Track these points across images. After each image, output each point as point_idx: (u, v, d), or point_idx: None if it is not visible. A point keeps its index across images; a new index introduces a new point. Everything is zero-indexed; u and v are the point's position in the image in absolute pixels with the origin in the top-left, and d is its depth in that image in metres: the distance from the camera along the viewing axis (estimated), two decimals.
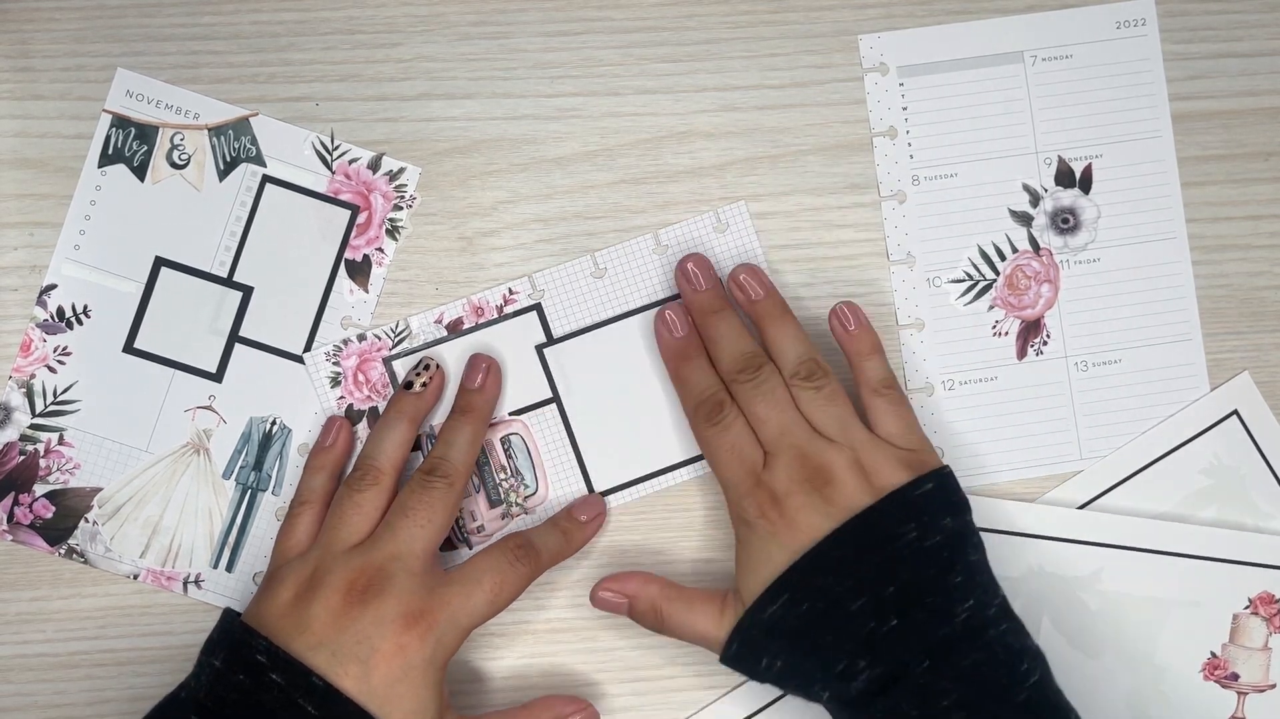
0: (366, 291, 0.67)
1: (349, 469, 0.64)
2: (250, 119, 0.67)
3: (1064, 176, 0.68)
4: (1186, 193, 0.68)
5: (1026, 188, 0.68)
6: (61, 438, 0.66)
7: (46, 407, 0.66)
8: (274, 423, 0.67)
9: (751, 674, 0.60)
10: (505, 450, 0.67)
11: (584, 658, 0.67)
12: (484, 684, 0.66)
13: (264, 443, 0.67)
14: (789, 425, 0.61)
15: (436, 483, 0.61)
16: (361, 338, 0.67)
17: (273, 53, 0.67)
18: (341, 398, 0.67)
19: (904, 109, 0.68)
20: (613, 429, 0.67)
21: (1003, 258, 0.68)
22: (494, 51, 0.68)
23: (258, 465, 0.67)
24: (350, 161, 0.67)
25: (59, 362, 0.66)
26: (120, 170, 0.67)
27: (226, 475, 0.67)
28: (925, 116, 0.68)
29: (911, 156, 0.68)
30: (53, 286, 0.66)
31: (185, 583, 0.66)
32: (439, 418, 0.66)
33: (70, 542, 0.66)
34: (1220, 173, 0.69)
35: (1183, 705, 0.67)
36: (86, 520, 0.66)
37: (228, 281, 0.67)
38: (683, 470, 0.67)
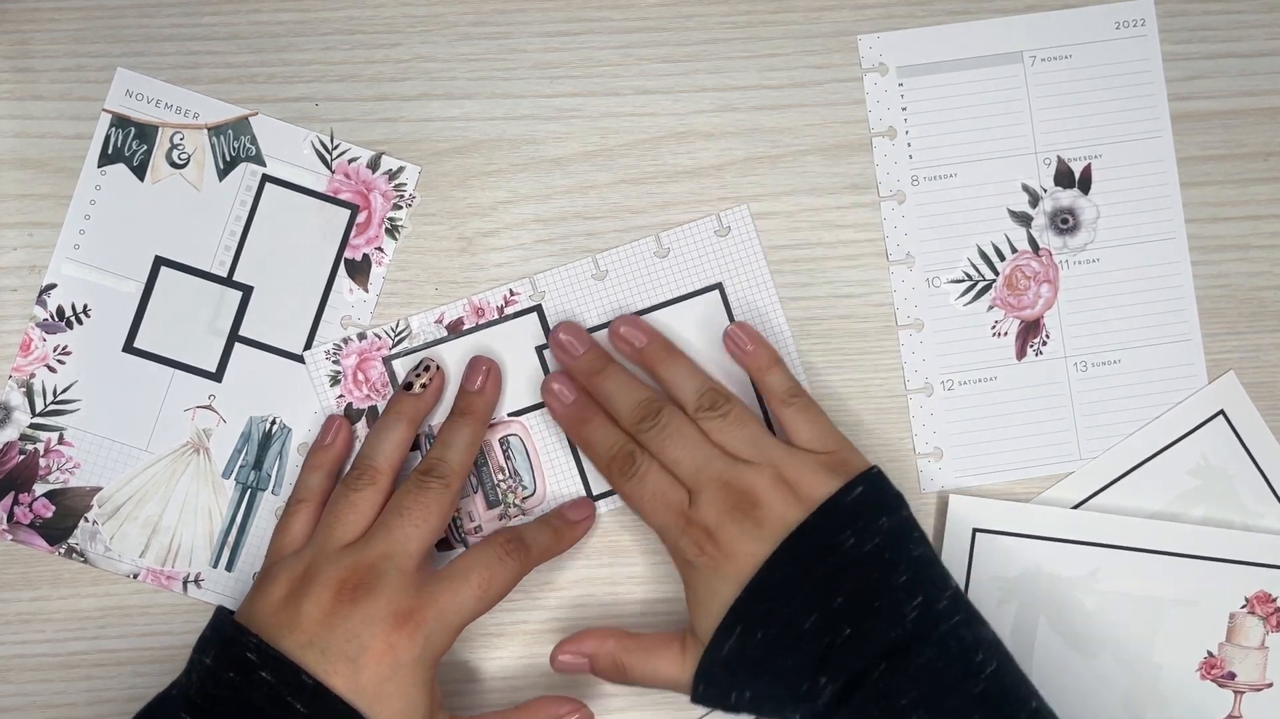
0: (366, 291, 0.67)
1: (347, 469, 0.64)
2: (250, 119, 0.67)
3: (1063, 177, 0.68)
4: (1186, 193, 0.68)
5: (1026, 188, 0.68)
6: (61, 437, 0.66)
7: (46, 406, 0.66)
8: (274, 422, 0.67)
9: (725, 708, 0.60)
10: (504, 451, 0.67)
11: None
12: (482, 684, 0.67)
13: (264, 442, 0.67)
14: (704, 460, 0.61)
15: (433, 483, 0.61)
16: (361, 337, 0.67)
17: (272, 53, 0.67)
18: (341, 397, 0.67)
19: (903, 109, 0.68)
20: None
21: (1002, 258, 0.68)
22: (493, 51, 0.68)
23: (257, 465, 0.67)
24: (350, 161, 0.67)
25: (59, 361, 0.66)
26: (120, 170, 0.67)
27: (226, 475, 0.67)
28: (925, 117, 0.68)
29: (911, 157, 0.68)
30: (52, 286, 0.67)
31: (185, 582, 0.66)
32: (438, 418, 0.66)
33: (70, 541, 0.66)
34: (1220, 173, 0.69)
35: (1179, 705, 0.67)
36: (86, 520, 0.66)
37: (227, 281, 0.67)
38: None
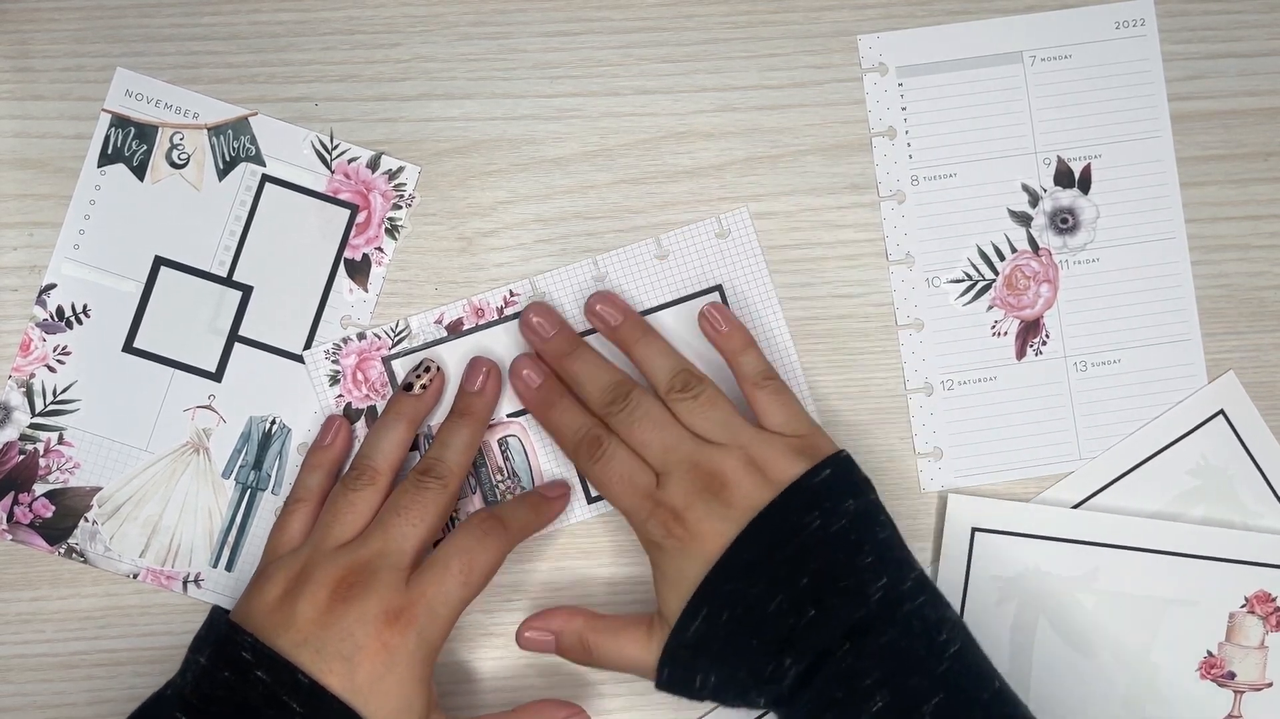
0: (366, 291, 0.67)
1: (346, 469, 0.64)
2: (250, 119, 0.67)
3: (1063, 176, 0.68)
4: (1186, 193, 0.68)
5: (1026, 188, 0.68)
6: (61, 437, 0.66)
7: (46, 406, 0.66)
8: (273, 422, 0.67)
9: (689, 695, 0.59)
10: (502, 452, 0.67)
11: None
12: (481, 685, 0.67)
13: (263, 442, 0.67)
14: (673, 442, 0.61)
15: (430, 483, 0.61)
16: (361, 337, 0.67)
17: (272, 53, 0.67)
18: (340, 397, 0.67)
19: (903, 109, 0.68)
20: None
21: (1002, 258, 0.68)
22: (493, 51, 0.68)
23: (257, 464, 0.67)
24: (350, 161, 0.67)
25: (59, 361, 0.66)
26: (120, 170, 0.67)
27: (226, 475, 0.67)
28: (924, 117, 0.68)
29: (910, 157, 0.68)
30: (52, 286, 0.67)
31: (185, 582, 0.66)
32: (438, 419, 0.66)
33: (70, 541, 0.66)
34: (1219, 173, 0.69)
35: (1179, 704, 0.67)
36: (86, 520, 0.66)
37: (227, 281, 0.67)
38: None
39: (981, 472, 0.68)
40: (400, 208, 0.67)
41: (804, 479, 0.59)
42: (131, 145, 0.67)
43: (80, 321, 0.67)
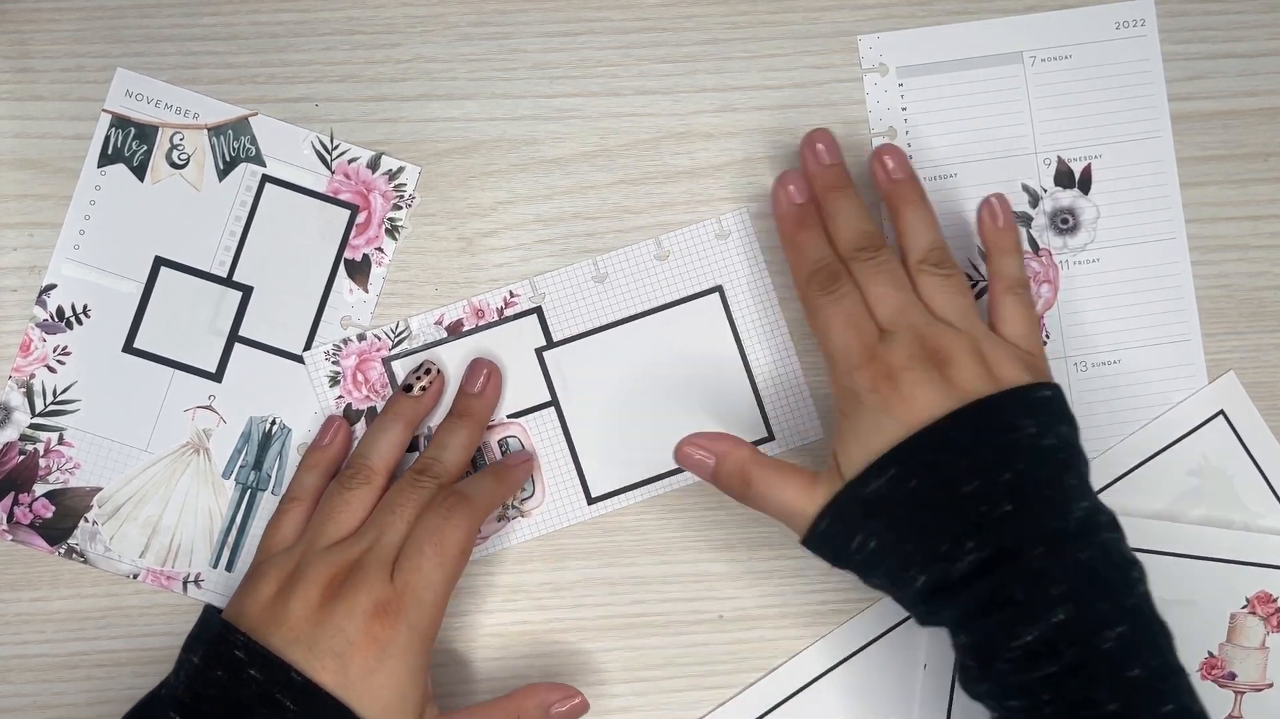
0: (366, 291, 0.67)
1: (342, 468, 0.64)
2: (250, 119, 0.67)
3: (1063, 177, 0.68)
4: (1186, 193, 0.68)
5: (1026, 188, 0.68)
6: (61, 438, 0.66)
7: (46, 406, 0.66)
8: (273, 422, 0.67)
9: (836, 556, 0.58)
10: (503, 453, 0.67)
11: (583, 658, 0.67)
12: (481, 685, 0.67)
13: (264, 442, 0.67)
14: (908, 304, 0.60)
15: (426, 482, 0.61)
16: (361, 337, 0.67)
17: (272, 53, 0.67)
18: (340, 397, 0.67)
19: (903, 109, 0.68)
20: (611, 434, 0.67)
21: None
22: (493, 52, 0.68)
23: (257, 465, 0.67)
24: (350, 161, 0.67)
25: (59, 361, 0.66)
26: (120, 170, 0.67)
27: (226, 475, 0.67)
28: (925, 117, 0.68)
29: (911, 157, 0.68)
30: (52, 286, 0.67)
31: (185, 583, 0.66)
32: (437, 419, 0.66)
33: (70, 541, 0.66)
34: (1219, 173, 0.69)
35: None
36: (86, 520, 0.66)
37: (227, 281, 0.67)
38: (681, 476, 0.67)
39: None
40: (400, 208, 0.67)
41: (1027, 389, 0.58)
42: (131, 145, 0.67)
43: (80, 322, 0.67)
